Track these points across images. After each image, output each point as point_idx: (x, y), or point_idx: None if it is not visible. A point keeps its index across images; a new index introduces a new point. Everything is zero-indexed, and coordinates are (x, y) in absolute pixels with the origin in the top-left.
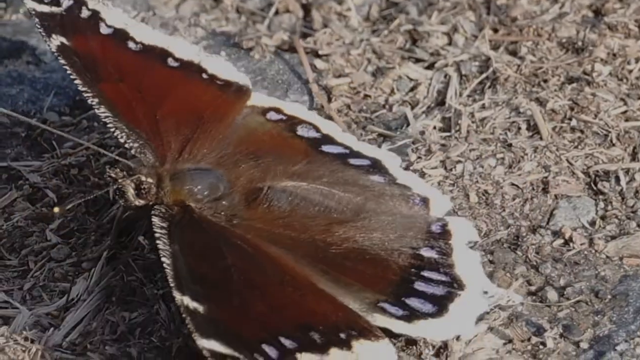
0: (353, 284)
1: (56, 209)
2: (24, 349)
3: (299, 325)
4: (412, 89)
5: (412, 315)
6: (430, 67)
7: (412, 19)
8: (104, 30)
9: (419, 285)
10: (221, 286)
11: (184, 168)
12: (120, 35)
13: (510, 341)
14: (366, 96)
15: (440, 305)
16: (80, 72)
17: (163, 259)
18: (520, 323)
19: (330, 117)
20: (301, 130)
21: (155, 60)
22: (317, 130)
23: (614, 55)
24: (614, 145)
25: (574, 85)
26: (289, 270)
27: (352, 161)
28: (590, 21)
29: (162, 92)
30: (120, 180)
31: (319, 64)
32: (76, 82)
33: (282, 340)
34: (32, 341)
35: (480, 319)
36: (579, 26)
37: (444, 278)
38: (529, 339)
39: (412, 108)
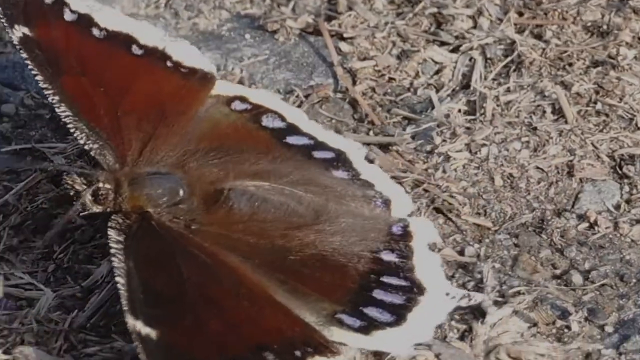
0: (310, 294)
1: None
2: (47, 330)
3: (254, 345)
4: (437, 72)
5: (370, 326)
6: (455, 50)
7: (437, 2)
8: (67, 16)
9: (378, 293)
10: (175, 304)
11: (142, 172)
12: (85, 22)
13: (535, 324)
14: (391, 79)
15: (399, 314)
16: (42, 66)
17: (117, 278)
18: (545, 306)
19: (354, 100)
20: (266, 121)
21: (118, 49)
22: (283, 119)
23: (639, 39)
24: (639, 129)
25: (599, 68)
26: (246, 282)
27: (317, 154)
28: (615, 5)
29: (124, 84)
30: (77, 186)
31: (344, 46)
32: (37, 77)
33: None
34: (57, 323)
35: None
36: (604, 10)
37: (403, 283)
38: (553, 322)
39: (437, 91)
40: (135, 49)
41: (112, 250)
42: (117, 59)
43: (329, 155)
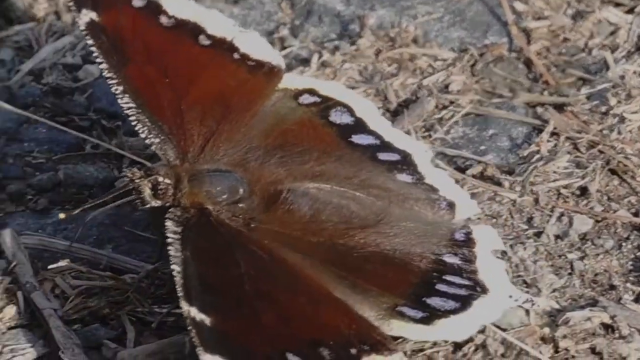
0: (371, 289)
1: (62, 215)
2: None
3: (309, 340)
4: (611, 33)
5: (432, 315)
6: (630, 11)
7: None
8: (136, 2)
9: (441, 287)
10: (231, 296)
11: (203, 169)
12: (153, 9)
13: None
14: (565, 39)
15: (464, 301)
16: (108, 53)
17: (173, 266)
18: None
19: (529, 60)
20: (334, 115)
21: (186, 38)
22: (352, 113)
23: None
24: None
25: None
26: (304, 278)
27: (381, 156)
28: None
29: (189, 76)
30: (137, 180)
31: (519, 6)
32: (101, 66)
33: (289, 356)
34: None
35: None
36: None
37: (466, 282)
38: None
39: (612, 52)
40: (203, 39)
41: (169, 240)
42: (183, 49)
43: (393, 157)
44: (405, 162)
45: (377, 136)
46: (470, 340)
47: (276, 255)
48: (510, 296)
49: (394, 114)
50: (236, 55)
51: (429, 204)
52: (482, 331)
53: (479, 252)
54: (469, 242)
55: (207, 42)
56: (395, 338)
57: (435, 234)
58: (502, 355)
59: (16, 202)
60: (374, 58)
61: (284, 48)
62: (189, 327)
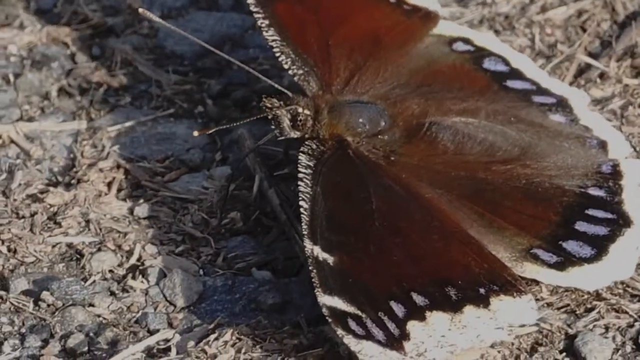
0: (508, 227)
1: (196, 133)
2: None
3: (437, 278)
4: None
5: (566, 261)
6: None
7: None
8: None
9: (581, 225)
10: (359, 233)
11: (344, 100)
12: None
13: None
14: None
15: (600, 247)
16: None
17: (302, 202)
18: None
19: None
20: (488, 63)
21: None
22: (507, 63)
23: None
24: None
25: None
26: (439, 215)
27: (536, 99)
28: None
29: (341, 15)
30: (276, 110)
31: None
32: (249, 0)
33: (414, 296)
34: None
35: None
36: None
37: (609, 215)
38: None
39: None
40: None
41: (300, 175)
42: None
43: (549, 100)
44: (561, 105)
45: (533, 82)
46: None
47: (412, 190)
48: None
49: (621, 27)
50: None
51: (580, 141)
52: None
53: (626, 184)
54: (615, 174)
55: None
56: (527, 280)
57: (581, 167)
58: None
59: (241, 108)
60: None
61: None
62: (310, 268)
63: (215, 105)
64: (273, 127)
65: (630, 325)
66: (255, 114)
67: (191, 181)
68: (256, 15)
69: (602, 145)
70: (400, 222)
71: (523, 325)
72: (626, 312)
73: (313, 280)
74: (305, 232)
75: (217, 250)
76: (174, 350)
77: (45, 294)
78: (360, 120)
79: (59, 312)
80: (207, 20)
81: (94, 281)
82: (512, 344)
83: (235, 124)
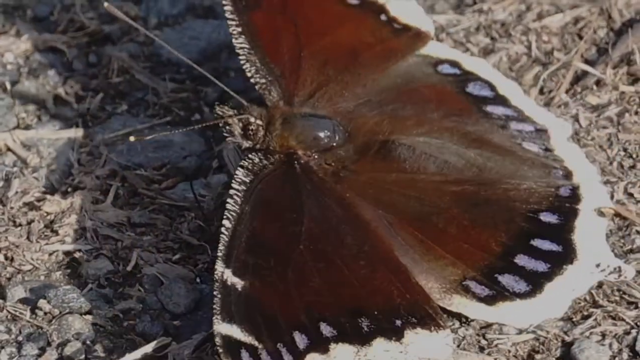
0: (445, 256)
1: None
2: None
3: (352, 308)
4: None
5: (497, 295)
6: None
7: None
8: None
9: (521, 259)
10: (281, 256)
11: (300, 112)
12: None
13: None
14: None
15: (536, 284)
16: None
17: (225, 221)
18: None
19: None
20: (472, 87)
21: None
22: (492, 89)
23: None
24: None
25: None
26: (373, 239)
27: (514, 125)
28: None
29: (323, 27)
30: (227, 118)
31: None
32: (226, 7)
33: (322, 326)
34: None
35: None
36: None
37: (554, 247)
38: None
39: None
40: None
41: (231, 192)
42: (326, 4)
43: (527, 128)
44: (539, 134)
45: (517, 110)
46: None
47: (353, 211)
48: (598, 265)
49: (618, 34)
50: (383, 17)
51: (545, 169)
52: None
53: (581, 209)
54: (573, 197)
55: (355, 1)
56: (450, 315)
57: (539, 191)
58: None
59: None
60: None
61: None
62: (215, 292)
63: (212, 112)
64: (225, 134)
65: (627, 333)
66: (208, 121)
67: (187, 189)
68: (229, 22)
69: (568, 173)
70: (327, 246)
71: (520, 332)
72: (623, 320)
73: (214, 306)
74: (219, 254)
75: (213, 258)
76: (170, 358)
77: (42, 302)
78: (313, 133)
79: (55, 320)
80: (204, 28)
81: (91, 289)
82: (509, 351)
83: (177, 130)
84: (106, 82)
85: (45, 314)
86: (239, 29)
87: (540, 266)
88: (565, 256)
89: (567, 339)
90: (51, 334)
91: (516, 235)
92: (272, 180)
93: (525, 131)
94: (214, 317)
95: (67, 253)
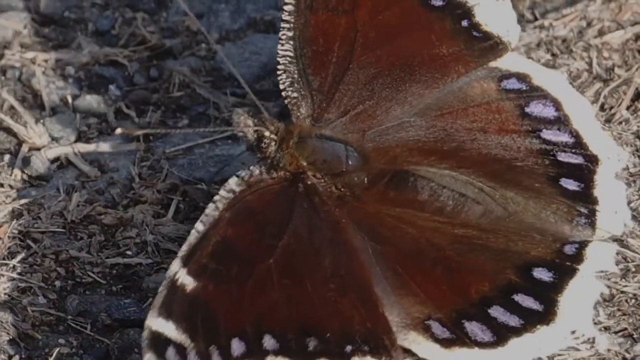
0: (418, 294)
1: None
2: None
3: (303, 326)
4: None
5: (457, 340)
6: None
7: None
8: None
9: (495, 310)
10: (248, 266)
11: (317, 133)
12: None
13: None
14: None
15: (501, 337)
16: None
17: (198, 224)
18: None
19: None
20: (533, 107)
21: None
22: (558, 108)
23: None
24: None
25: None
26: (354, 265)
27: (562, 156)
28: None
29: (389, 34)
30: (243, 127)
31: None
32: (285, 7)
33: (267, 338)
34: None
35: None
36: None
37: (535, 306)
38: None
39: None
40: (436, 0)
41: (216, 197)
42: (407, 4)
43: (577, 160)
44: (584, 167)
45: (575, 135)
46: None
47: (342, 235)
48: (573, 332)
49: None
50: (464, 23)
51: (566, 216)
52: None
53: (581, 269)
54: (576, 257)
55: (439, 2)
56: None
57: (543, 246)
58: None
59: None
60: None
61: None
62: (161, 289)
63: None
64: (242, 141)
65: None
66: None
67: None
68: (282, 25)
69: (592, 222)
70: (300, 265)
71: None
72: None
73: (155, 301)
74: (180, 253)
75: None
76: None
77: (102, 316)
78: (323, 157)
79: (116, 333)
80: (265, 43)
81: (152, 302)
82: None
83: (176, 131)
84: (167, 96)
85: (106, 327)
86: (290, 34)
87: (513, 320)
88: (543, 316)
89: (628, 356)
90: (112, 348)
91: (500, 287)
92: (265, 194)
93: (571, 164)
94: (150, 311)
95: (127, 266)
